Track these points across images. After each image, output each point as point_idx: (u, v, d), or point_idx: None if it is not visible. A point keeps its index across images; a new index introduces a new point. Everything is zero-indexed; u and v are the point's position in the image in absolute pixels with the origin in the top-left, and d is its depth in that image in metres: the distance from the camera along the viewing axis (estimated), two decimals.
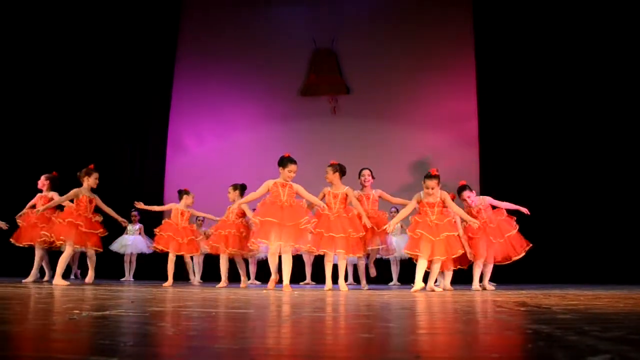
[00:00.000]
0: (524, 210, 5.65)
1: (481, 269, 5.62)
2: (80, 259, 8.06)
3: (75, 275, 8.22)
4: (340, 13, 10.13)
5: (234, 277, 8.31)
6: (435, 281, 5.52)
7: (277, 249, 5.20)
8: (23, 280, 6.12)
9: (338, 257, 5.41)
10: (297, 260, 7.30)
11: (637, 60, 8.60)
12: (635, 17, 8.57)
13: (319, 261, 6.43)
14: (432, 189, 5.22)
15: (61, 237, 5.76)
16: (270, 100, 9.96)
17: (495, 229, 5.52)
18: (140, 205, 6.60)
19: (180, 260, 6.76)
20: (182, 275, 8.35)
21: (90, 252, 6.03)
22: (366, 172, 5.79)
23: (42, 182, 6.57)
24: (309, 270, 8.16)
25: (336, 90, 9.89)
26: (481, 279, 5.72)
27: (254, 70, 10.11)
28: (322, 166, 9.62)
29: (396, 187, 9.06)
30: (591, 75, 8.78)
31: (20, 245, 6.45)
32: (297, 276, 8.02)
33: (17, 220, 6.48)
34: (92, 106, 10.13)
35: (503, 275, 7.66)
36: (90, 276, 6.06)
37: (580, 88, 8.80)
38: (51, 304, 2.78)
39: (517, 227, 5.59)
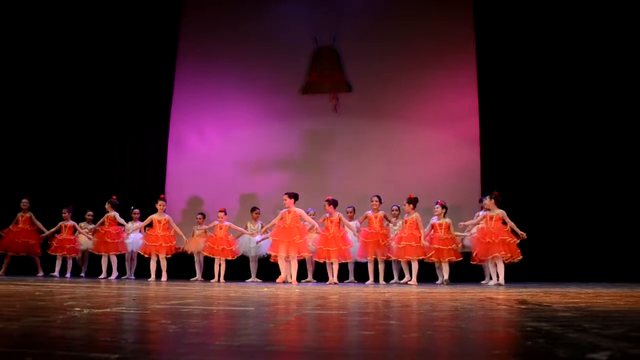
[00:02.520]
0: (522, 234, 6.74)
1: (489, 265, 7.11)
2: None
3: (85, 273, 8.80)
4: (341, 11, 10.11)
5: (240, 276, 8.39)
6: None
7: (284, 257, 7.04)
8: (109, 278, 7.99)
9: (333, 263, 7.29)
10: (301, 262, 7.75)
11: (638, 55, 8.58)
12: (638, 10, 8.54)
13: (319, 263, 7.78)
14: (406, 210, 7.41)
15: (150, 254, 7.92)
16: (271, 99, 9.95)
17: (493, 233, 6.82)
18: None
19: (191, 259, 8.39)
20: (183, 274, 8.40)
21: (162, 256, 7.87)
22: (375, 199, 7.57)
23: (108, 207, 8.30)
24: (311, 269, 8.24)
25: (337, 88, 9.87)
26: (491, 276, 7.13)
27: (255, 68, 10.09)
28: (324, 164, 9.72)
29: (396, 184, 9.08)
30: (593, 72, 8.74)
31: (97, 253, 8.39)
32: (300, 274, 8.08)
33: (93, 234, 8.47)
34: (93, 104, 10.13)
35: (505, 273, 7.67)
36: (164, 276, 7.80)
37: (582, 85, 8.77)
38: (53, 302, 2.78)
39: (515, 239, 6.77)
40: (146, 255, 8.07)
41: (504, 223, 6.86)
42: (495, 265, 6.86)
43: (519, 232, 6.73)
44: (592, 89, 8.72)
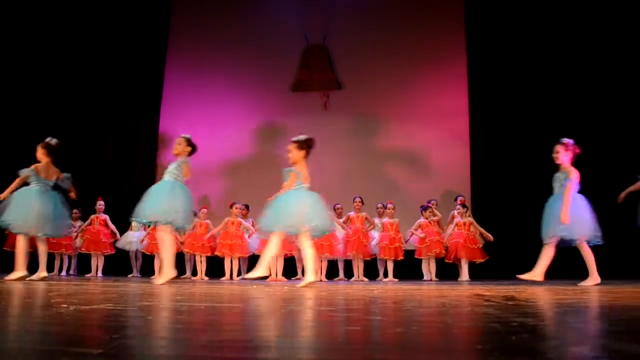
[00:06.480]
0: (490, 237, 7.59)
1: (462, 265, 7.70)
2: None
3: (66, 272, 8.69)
4: (332, 9, 10.09)
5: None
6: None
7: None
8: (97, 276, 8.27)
9: (322, 260, 7.67)
10: (290, 259, 7.95)
11: (630, 55, 8.61)
12: (629, 8, 8.58)
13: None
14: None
15: (153, 252, 8.14)
16: (261, 96, 9.92)
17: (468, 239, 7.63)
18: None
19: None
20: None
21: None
22: (357, 200, 7.81)
23: (98, 206, 8.61)
24: (300, 266, 8.23)
25: (328, 86, 9.86)
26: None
27: (245, 66, 10.06)
28: (313, 161, 9.65)
29: (386, 182, 9.11)
30: (583, 71, 8.76)
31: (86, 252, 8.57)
32: (290, 272, 8.08)
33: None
34: (82, 101, 10.02)
35: (495, 270, 7.71)
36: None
37: (572, 84, 8.79)
38: (40, 298, 2.76)
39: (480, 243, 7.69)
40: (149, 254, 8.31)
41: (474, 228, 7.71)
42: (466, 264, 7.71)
43: (485, 234, 7.66)
44: (583, 86, 8.74)
